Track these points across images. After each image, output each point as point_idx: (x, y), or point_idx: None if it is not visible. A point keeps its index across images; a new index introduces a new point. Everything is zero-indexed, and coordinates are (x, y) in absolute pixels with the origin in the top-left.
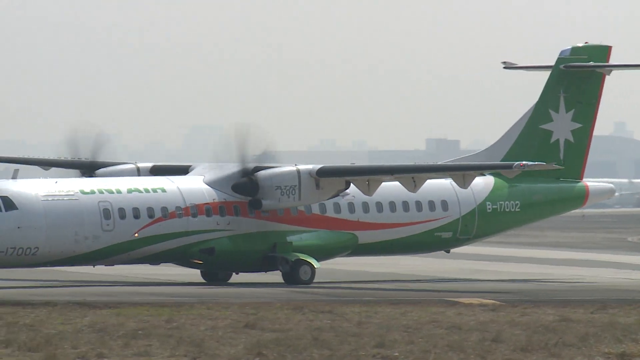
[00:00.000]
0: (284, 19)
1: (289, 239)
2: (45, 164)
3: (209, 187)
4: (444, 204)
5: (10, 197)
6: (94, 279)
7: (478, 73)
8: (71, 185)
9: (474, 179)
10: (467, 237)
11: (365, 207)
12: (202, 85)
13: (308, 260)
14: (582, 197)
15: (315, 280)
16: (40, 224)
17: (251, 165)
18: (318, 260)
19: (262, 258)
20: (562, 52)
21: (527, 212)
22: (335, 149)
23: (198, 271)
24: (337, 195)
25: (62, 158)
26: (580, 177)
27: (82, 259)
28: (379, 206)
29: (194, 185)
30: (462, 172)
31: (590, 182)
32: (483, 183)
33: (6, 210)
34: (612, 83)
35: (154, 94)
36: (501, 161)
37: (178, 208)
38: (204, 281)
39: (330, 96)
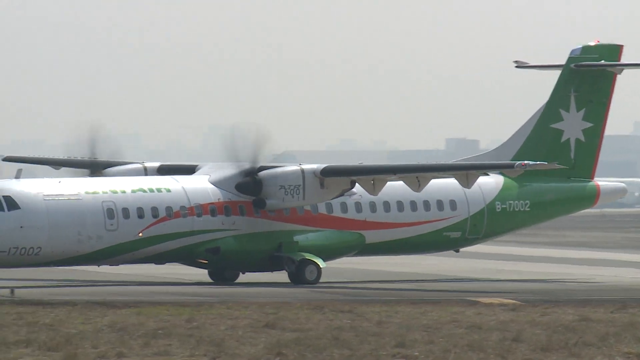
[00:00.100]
0: (310, 17)
1: (296, 238)
2: (56, 164)
3: (214, 186)
4: (453, 204)
5: (13, 197)
6: (114, 279)
7: (495, 72)
8: (75, 185)
9: (477, 178)
10: (476, 236)
11: (373, 206)
12: (223, 85)
13: (314, 259)
14: (593, 196)
15: (337, 280)
16: (42, 224)
17: (256, 164)
18: (325, 260)
19: (268, 258)
20: (573, 51)
21: (537, 211)
22: (355, 149)
23: (205, 271)
24: (342, 195)
25: (72, 157)
26: (591, 176)
27: (86, 259)
28: (387, 206)
29: (199, 185)
30: (465, 171)
31: (602, 182)
32: (493, 182)
33: (9, 210)
34: (632, 82)
35: (175, 94)
36: (511, 160)
37: (183, 208)
38: (211, 281)
39: (351, 96)
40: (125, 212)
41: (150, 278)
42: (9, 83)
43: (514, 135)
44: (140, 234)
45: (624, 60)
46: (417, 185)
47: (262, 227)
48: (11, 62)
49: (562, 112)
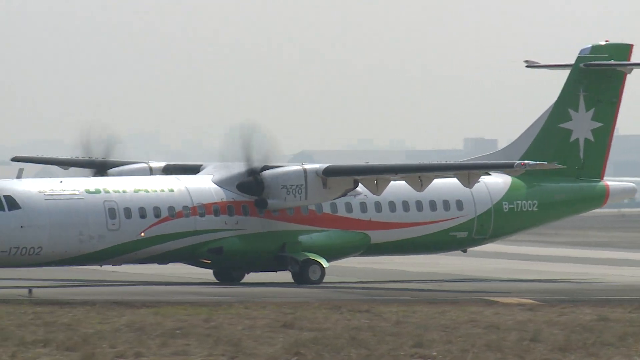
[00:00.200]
0: (332, 18)
1: (300, 238)
2: (64, 164)
3: (217, 186)
4: (459, 204)
5: (14, 196)
6: (132, 279)
7: (515, 73)
8: (76, 185)
9: (478, 178)
10: (483, 236)
11: (378, 206)
12: (244, 86)
13: (317, 259)
14: (602, 196)
15: (356, 280)
16: (43, 223)
17: (258, 164)
18: (329, 260)
19: (272, 258)
20: (582, 51)
21: (546, 211)
22: (373, 149)
23: (210, 271)
24: (345, 194)
25: (80, 158)
26: (601, 176)
27: (87, 259)
28: (392, 205)
29: (202, 185)
30: (466, 171)
31: (611, 182)
32: (501, 183)
33: (9, 210)
34: None
35: (196, 94)
36: (519, 160)
37: (185, 207)
38: (216, 281)
39: (369, 96)
40: (127, 211)
41: (167, 278)
42: (29, 83)
43: (522, 135)
44: (142, 234)
45: (633, 59)
46: (420, 185)
47: (266, 227)
48: (31, 62)
49: (571, 112)
